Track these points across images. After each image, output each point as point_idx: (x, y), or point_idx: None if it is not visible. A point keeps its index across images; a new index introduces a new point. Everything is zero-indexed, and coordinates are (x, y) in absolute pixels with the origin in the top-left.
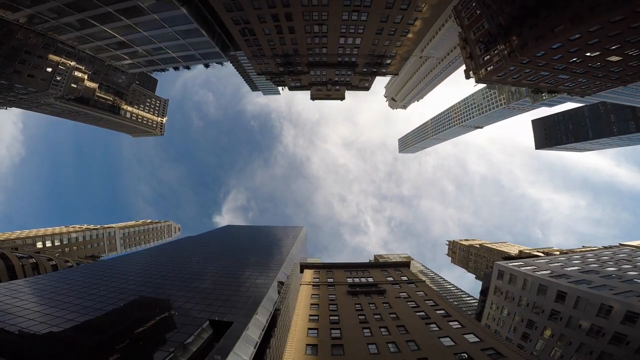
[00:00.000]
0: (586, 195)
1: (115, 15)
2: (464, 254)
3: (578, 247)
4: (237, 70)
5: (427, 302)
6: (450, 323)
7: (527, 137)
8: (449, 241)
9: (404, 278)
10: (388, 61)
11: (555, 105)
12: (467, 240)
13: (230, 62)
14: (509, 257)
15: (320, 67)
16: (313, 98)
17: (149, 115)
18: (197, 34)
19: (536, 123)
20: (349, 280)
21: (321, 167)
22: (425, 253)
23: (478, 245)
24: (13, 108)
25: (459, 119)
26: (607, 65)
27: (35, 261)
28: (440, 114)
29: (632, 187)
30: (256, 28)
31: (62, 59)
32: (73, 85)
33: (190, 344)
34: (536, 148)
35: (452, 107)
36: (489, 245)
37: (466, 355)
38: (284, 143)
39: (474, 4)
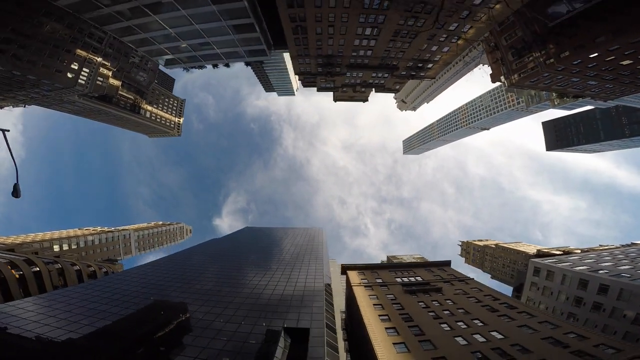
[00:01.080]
0: (586, 197)
1: (172, 4)
2: (478, 255)
3: (587, 247)
4: (253, 71)
5: (486, 297)
6: (519, 314)
7: (528, 139)
8: (462, 242)
9: (452, 276)
10: (430, 65)
11: (575, 108)
12: (481, 240)
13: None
14: (542, 255)
15: (360, 69)
16: (336, 99)
17: (167, 115)
18: (249, 29)
19: (547, 125)
20: (398, 280)
21: (321, 170)
22: (426, 255)
23: (494, 246)
24: (19, 108)
25: (466, 121)
26: (636, 72)
27: (60, 266)
28: (446, 116)
29: (632, 189)
30: (310, 26)
31: (89, 55)
32: (98, 82)
33: (279, 355)
34: (547, 149)
35: (459, 108)
36: (505, 246)
37: (553, 340)
38: (283, 145)
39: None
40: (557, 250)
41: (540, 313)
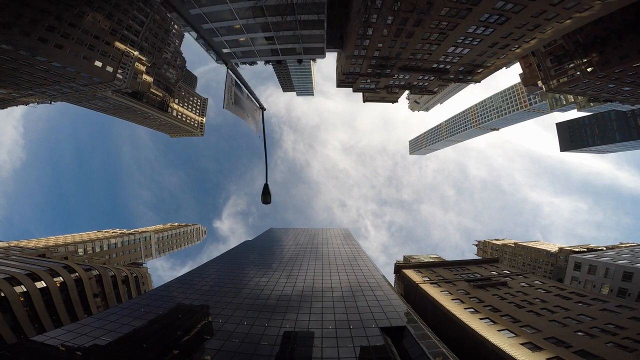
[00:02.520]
0: (587, 199)
1: None
2: (496, 254)
3: (610, 245)
4: (274, 70)
5: (552, 287)
6: (592, 300)
7: (530, 141)
8: (479, 241)
9: (507, 271)
10: (480, 70)
11: (600, 111)
12: (498, 239)
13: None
14: (579, 252)
15: (412, 71)
16: (366, 100)
17: (191, 114)
18: (317, 26)
19: (561, 126)
20: (457, 276)
21: (321, 172)
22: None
23: (513, 244)
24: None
25: (476, 121)
26: None
27: (98, 272)
28: (456, 116)
29: (633, 191)
30: (378, 27)
31: (127, 48)
32: (133, 77)
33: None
34: (561, 150)
35: (469, 109)
36: (524, 244)
37: (636, 319)
38: (283, 148)
39: None
40: (579, 247)
41: (610, 299)
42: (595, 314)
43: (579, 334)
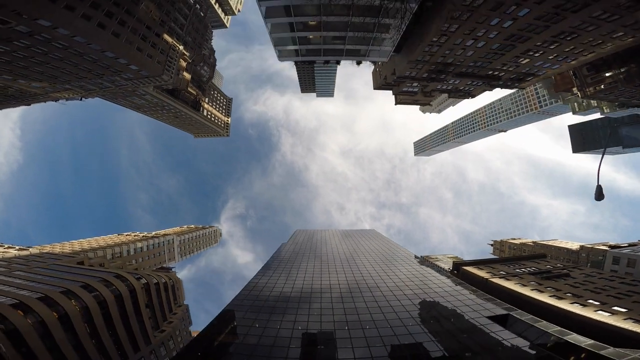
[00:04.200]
0: (585, 201)
1: None
2: (514, 252)
3: (628, 242)
4: (297, 70)
5: (612, 276)
6: None
7: (527, 143)
8: (495, 241)
9: (561, 265)
10: (529, 78)
11: (621, 115)
12: (515, 239)
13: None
14: (614, 247)
15: (468, 77)
16: (398, 103)
17: (219, 114)
18: (394, 30)
19: (573, 128)
20: (518, 270)
21: (319, 176)
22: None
23: (532, 243)
24: (16, 110)
25: (484, 123)
26: None
27: (146, 281)
28: (462, 118)
29: (630, 193)
30: (454, 36)
31: (174, 41)
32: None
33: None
34: (573, 152)
35: (476, 110)
36: (543, 243)
37: None
38: (282, 151)
39: None
40: (601, 245)
41: None
42: None
43: None
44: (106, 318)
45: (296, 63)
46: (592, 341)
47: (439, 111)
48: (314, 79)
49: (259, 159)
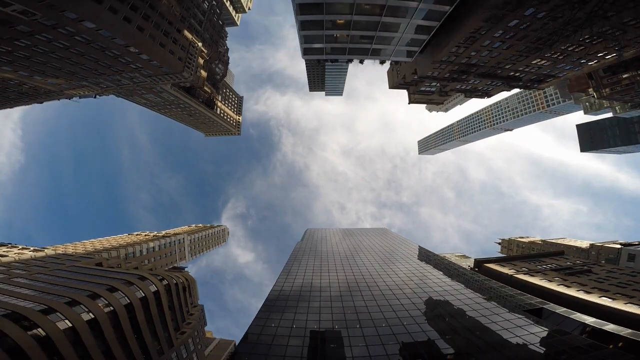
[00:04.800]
0: (587, 201)
1: None
2: (521, 251)
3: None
4: (306, 69)
5: (632, 272)
6: None
7: (529, 143)
8: (502, 239)
9: (579, 262)
10: (549, 80)
11: (631, 115)
12: (523, 237)
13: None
14: (626, 245)
15: (490, 77)
16: (412, 102)
17: (230, 112)
18: (424, 31)
19: (582, 127)
20: (540, 267)
21: (320, 176)
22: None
23: (540, 242)
24: (16, 110)
25: (490, 122)
26: None
27: (167, 282)
28: (468, 117)
29: (632, 192)
30: (483, 38)
31: (193, 38)
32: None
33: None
34: (581, 151)
35: (483, 109)
36: (553, 241)
37: None
38: (282, 151)
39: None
40: (611, 243)
41: None
42: None
43: None
44: (132, 322)
45: (307, 62)
46: (631, 330)
47: (446, 110)
48: (324, 78)
49: (259, 159)
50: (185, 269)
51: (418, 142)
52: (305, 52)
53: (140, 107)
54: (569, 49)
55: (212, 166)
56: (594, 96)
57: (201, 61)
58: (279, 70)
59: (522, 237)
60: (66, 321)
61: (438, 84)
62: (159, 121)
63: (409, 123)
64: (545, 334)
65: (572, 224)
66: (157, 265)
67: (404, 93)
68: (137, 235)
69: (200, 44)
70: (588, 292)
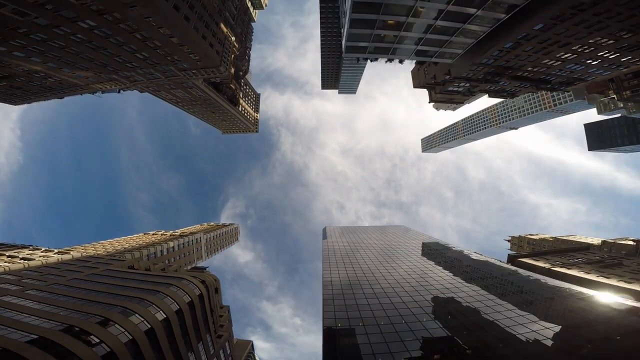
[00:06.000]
0: (585, 200)
1: None
2: (533, 248)
3: None
4: (322, 66)
5: None
6: None
7: (528, 142)
8: (512, 237)
9: (606, 255)
10: (577, 82)
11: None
12: (532, 234)
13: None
14: (637, 241)
15: (520, 80)
16: (434, 100)
17: (249, 109)
18: (472, 36)
19: (590, 127)
20: (572, 261)
21: (319, 175)
22: None
23: (552, 239)
24: (15, 109)
25: (496, 120)
26: None
27: (206, 285)
28: (473, 115)
29: (631, 192)
30: (527, 44)
31: (228, 32)
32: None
33: None
34: (589, 149)
35: (488, 108)
36: (565, 238)
37: None
38: (282, 150)
39: None
40: (623, 239)
41: None
42: None
43: None
44: (182, 328)
45: (324, 59)
46: None
47: (454, 109)
48: (338, 76)
49: (258, 158)
50: (207, 269)
51: (421, 140)
52: (348, 49)
53: (140, 107)
54: (605, 55)
55: (211, 165)
56: (613, 97)
57: (231, 56)
58: (278, 69)
59: (532, 235)
60: (126, 333)
61: (468, 85)
62: (158, 121)
63: (409, 122)
64: (605, 316)
65: (571, 223)
66: (178, 265)
67: (403, 93)
68: (153, 234)
69: (233, 39)
70: (628, 282)
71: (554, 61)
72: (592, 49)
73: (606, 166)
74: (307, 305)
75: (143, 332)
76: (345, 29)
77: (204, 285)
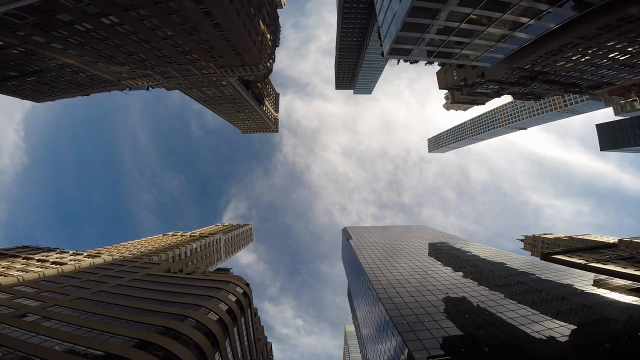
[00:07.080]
0: (589, 201)
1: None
2: (548, 247)
3: None
4: (337, 66)
5: None
6: None
7: (531, 143)
8: (525, 236)
9: (627, 253)
10: (604, 87)
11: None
12: (547, 234)
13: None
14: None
15: (553, 84)
16: (456, 101)
17: (271, 108)
18: (516, 42)
19: (601, 127)
20: (605, 257)
21: (321, 176)
22: None
23: (567, 238)
24: (19, 111)
25: (505, 120)
26: None
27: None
28: (481, 115)
29: (636, 192)
30: (567, 50)
31: (264, 29)
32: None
33: None
34: (601, 150)
35: (497, 108)
36: (580, 237)
37: None
38: (283, 152)
39: None
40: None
41: None
42: None
43: None
44: (239, 332)
45: (340, 59)
46: None
47: (465, 109)
48: (354, 76)
49: (260, 160)
50: (231, 270)
51: (428, 140)
52: (392, 51)
53: (140, 107)
54: (637, 61)
55: (213, 167)
56: (635, 100)
57: (267, 54)
58: (279, 70)
59: (546, 234)
60: (193, 344)
61: (497, 87)
62: (160, 122)
63: (410, 123)
64: None
65: (574, 224)
66: (200, 266)
67: (403, 93)
68: (172, 235)
69: (269, 36)
70: None
71: (589, 66)
72: (628, 56)
73: (610, 167)
74: (308, 306)
75: (210, 342)
76: (394, 31)
77: (248, 287)
